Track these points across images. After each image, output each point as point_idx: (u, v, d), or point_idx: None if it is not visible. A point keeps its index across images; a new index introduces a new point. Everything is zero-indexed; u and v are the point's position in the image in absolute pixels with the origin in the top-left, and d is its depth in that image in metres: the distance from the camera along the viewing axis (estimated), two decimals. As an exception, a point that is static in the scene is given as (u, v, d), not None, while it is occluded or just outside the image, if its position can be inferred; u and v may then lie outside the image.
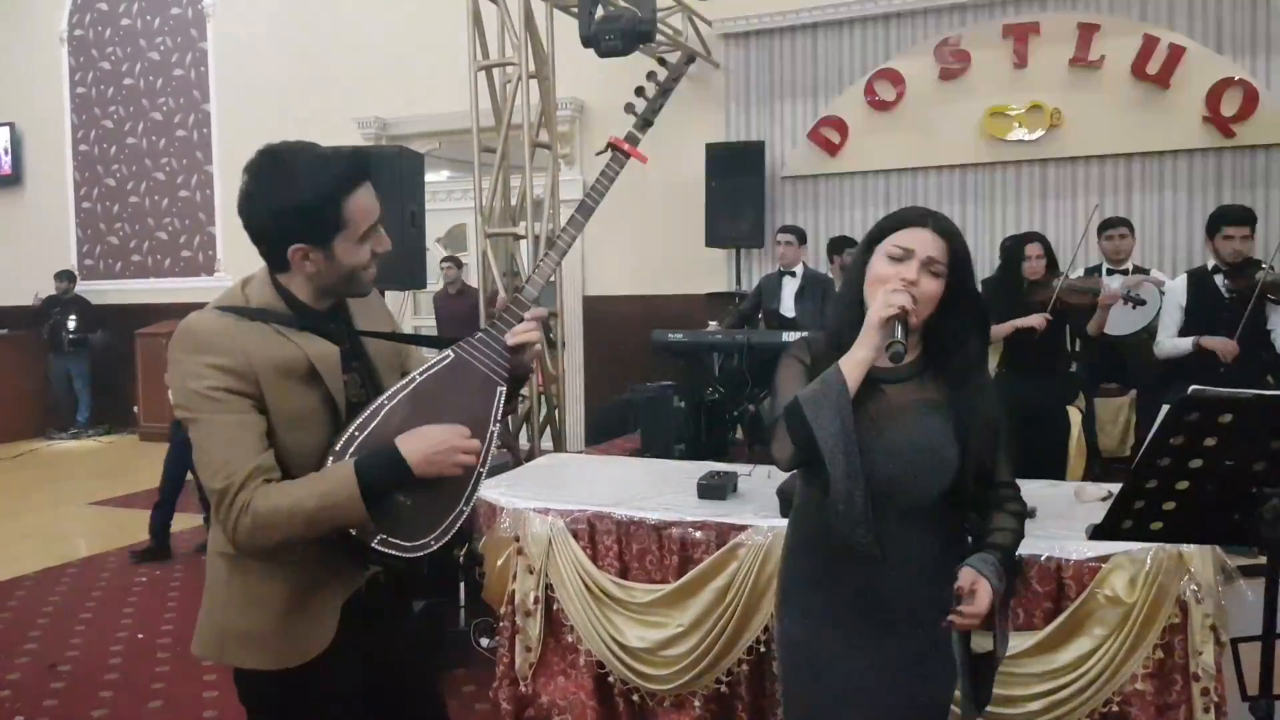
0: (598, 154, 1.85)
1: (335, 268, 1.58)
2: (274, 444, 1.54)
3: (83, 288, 9.80)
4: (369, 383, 1.70)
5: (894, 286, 1.59)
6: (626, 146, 1.83)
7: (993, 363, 4.68)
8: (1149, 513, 1.44)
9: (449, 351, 1.66)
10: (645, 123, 1.87)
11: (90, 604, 4.62)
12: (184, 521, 5.99)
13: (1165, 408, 1.33)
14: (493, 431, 1.61)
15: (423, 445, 1.52)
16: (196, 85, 9.33)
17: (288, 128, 8.71)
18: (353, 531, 1.50)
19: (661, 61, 1.91)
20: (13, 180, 10.13)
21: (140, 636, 4.17)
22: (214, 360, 1.49)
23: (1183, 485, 1.39)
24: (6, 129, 10.06)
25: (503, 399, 1.65)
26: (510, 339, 1.67)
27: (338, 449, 1.53)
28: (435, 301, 7.50)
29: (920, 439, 1.64)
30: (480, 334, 1.69)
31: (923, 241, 1.63)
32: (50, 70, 9.93)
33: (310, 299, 1.62)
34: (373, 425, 1.55)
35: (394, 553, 1.51)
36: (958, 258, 1.64)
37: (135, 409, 9.20)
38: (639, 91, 1.89)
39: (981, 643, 1.67)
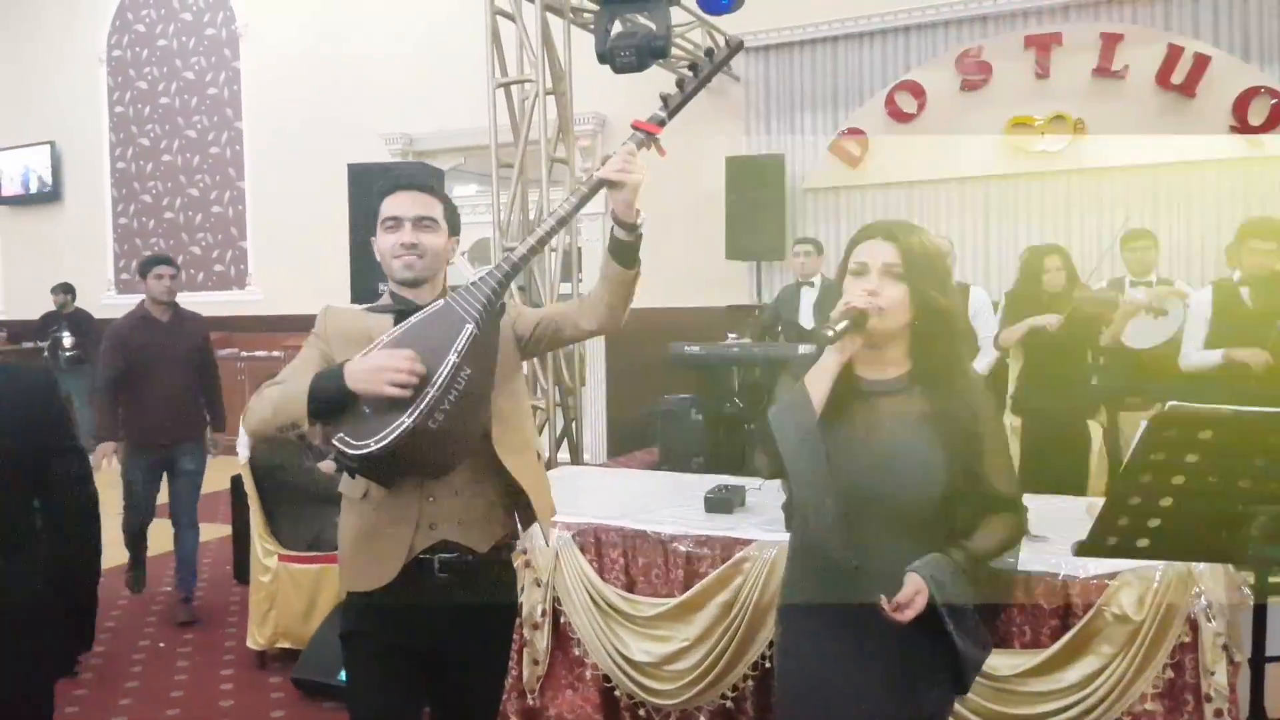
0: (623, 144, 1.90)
1: (380, 254, 2.03)
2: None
3: (121, 300, 9.99)
4: None
5: (854, 294, 1.66)
6: (645, 125, 1.90)
7: (1013, 375, 4.63)
8: (1134, 530, 1.42)
9: (442, 300, 1.91)
10: (665, 103, 1.91)
11: (115, 612, 4.69)
12: (212, 531, 6.08)
13: (1143, 423, 1.31)
14: (451, 361, 1.75)
15: (359, 366, 1.76)
16: (229, 104, 9.51)
17: (317, 145, 8.85)
18: (320, 430, 1.78)
19: (709, 53, 1.98)
20: (53, 196, 10.39)
21: (162, 645, 4.23)
22: (313, 330, 2.05)
23: (1167, 502, 1.38)
24: (47, 147, 10.33)
25: (470, 335, 1.80)
26: (600, 173, 1.86)
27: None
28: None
29: (907, 449, 1.66)
30: (473, 283, 1.90)
31: (875, 251, 1.70)
32: (89, 90, 10.18)
33: (400, 289, 2.02)
34: (367, 353, 1.82)
35: (342, 448, 1.73)
36: (912, 258, 1.67)
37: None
38: (680, 83, 1.94)
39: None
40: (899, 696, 1.70)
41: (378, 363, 1.74)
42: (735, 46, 2.04)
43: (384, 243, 2.01)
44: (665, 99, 1.92)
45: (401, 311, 1.94)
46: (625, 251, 1.89)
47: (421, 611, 1.92)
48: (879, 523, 1.67)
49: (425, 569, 1.92)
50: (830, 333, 1.61)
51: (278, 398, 1.83)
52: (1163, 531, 1.42)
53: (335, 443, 1.73)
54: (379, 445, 1.70)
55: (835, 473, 1.63)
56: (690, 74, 1.96)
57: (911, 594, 1.60)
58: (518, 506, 2.04)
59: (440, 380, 1.73)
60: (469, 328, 1.80)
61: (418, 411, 1.71)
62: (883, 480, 1.66)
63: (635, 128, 1.91)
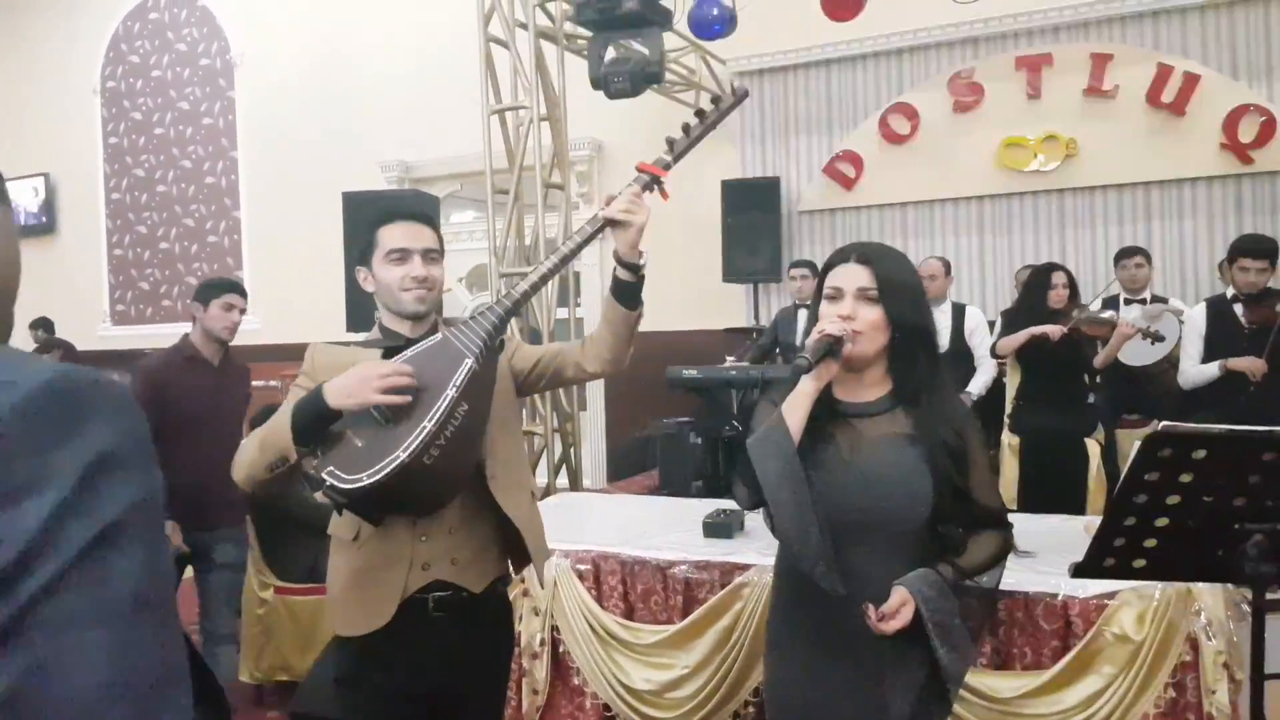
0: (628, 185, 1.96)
1: (379, 284, 1.97)
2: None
3: (116, 332, 10.01)
4: None
5: (829, 321, 1.66)
6: (650, 168, 1.95)
7: (1010, 394, 4.63)
8: (1130, 550, 1.42)
9: (440, 333, 1.90)
10: (671, 147, 1.96)
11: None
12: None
13: (1136, 444, 1.31)
14: (449, 395, 1.72)
15: (339, 380, 1.73)
16: (225, 134, 9.54)
17: (313, 173, 8.88)
18: (314, 462, 1.73)
19: (715, 100, 2.03)
20: (48, 228, 10.39)
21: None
22: (302, 369, 1.98)
23: (1162, 522, 1.37)
24: (42, 179, 10.34)
25: (469, 370, 1.78)
26: (603, 213, 1.90)
27: None
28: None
29: (892, 471, 1.66)
30: (472, 318, 1.91)
31: (849, 276, 1.71)
32: (84, 121, 10.21)
33: (390, 323, 1.99)
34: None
35: (332, 481, 1.69)
36: (885, 281, 1.68)
37: (165, 451, 9.32)
38: (685, 129, 1.98)
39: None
40: None
41: (361, 372, 1.72)
42: (741, 95, 2.10)
43: (390, 274, 1.94)
44: (671, 143, 1.95)
45: (393, 347, 1.92)
46: (628, 293, 1.92)
47: (417, 652, 1.90)
48: (867, 547, 1.67)
49: (419, 609, 1.89)
50: (805, 361, 1.61)
51: (262, 434, 1.79)
52: (1159, 552, 1.41)
53: (325, 476, 1.69)
54: (371, 480, 1.65)
55: (820, 499, 1.62)
56: (697, 120, 1.98)
57: (898, 605, 1.60)
58: (511, 547, 2.00)
59: (438, 414, 1.69)
60: (469, 362, 1.78)
61: (413, 446, 1.66)
62: (869, 503, 1.65)
63: (641, 170, 1.93)
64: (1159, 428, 1.27)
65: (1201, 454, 1.28)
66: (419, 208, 2.02)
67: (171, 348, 3.73)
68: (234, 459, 1.84)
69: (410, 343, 1.90)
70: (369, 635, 1.88)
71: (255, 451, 1.78)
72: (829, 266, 1.76)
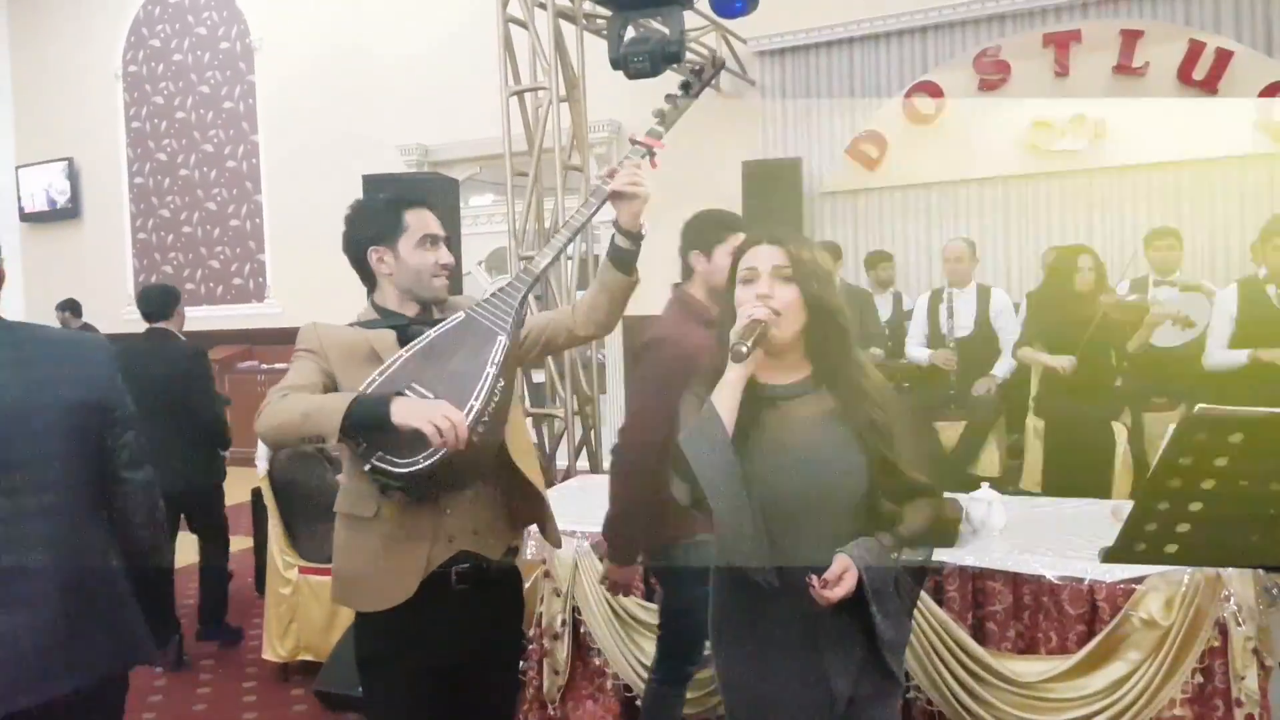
0: (625, 158, 2.02)
1: (404, 267, 1.97)
2: None
3: (139, 316, 10.09)
4: None
5: (750, 305, 1.66)
6: (646, 140, 2.02)
7: (1036, 373, 4.58)
8: (1162, 535, 1.38)
9: (462, 311, 1.93)
10: (663, 118, 2.05)
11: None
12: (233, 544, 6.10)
13: (1171, 427, 1.28)
14: (489, 373, 1.81)
15: (407, 404, 1.74)
16: (245, 117, 9.58)
17: (333, 156, 8.89)
18: (360, 444, 1.76)
19: (697, 71, 2.10)
20: (72, 213, 10.49)
21: (184, 659, 4.23)
22: (302, 346, 1.96)
23: (1196, 507, 1.34)
24: (65, 164, 10.43)
25: (504, 347, 1.85)
26: (609, 187, 1.94)
27: (361, 387, 1.82)
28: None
29: (825, 450, 1.67)
30: (493, 295, 1.95)
31: (763, 256, 1.71)
32: (106, 106, 10.28)
33: (395, 305, 2.00)
34: (390, 370, 1.83)
35: (385, 466, 1.74)
36: (798, 261, 1.69)
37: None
38: (672, 99, 2.09)
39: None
40: (846, 708, 1.70)
41: (424, 407, 1.72)
42: (719, 65, 2.14)
43: (423, 260, 1.98)
44: (661, 114, 2.06)
45: (402, 327, 1.95)
46: (627, 260, 1.99)
47: (441, 625, 1.91)
48: (805, 530, 1.66)
49: (442, 581, 1.91)
50: (744, 348, 1.60)
51: (309, 408, 1.78)
52: (1192, 536, 1.38)
53: (375, 462, 1.74)
54: (427, 462, 1.72)
55: (754, 487, 1.61)
56: (682, 91, 2.08)
57: (839, 571, 1.60)
58: (523, 510, 2.05)
59: (483, 393, 1.78)
60: (502, 339, 1.86)
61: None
62: (806, 484, 1.66)
63: (635, 142, 2.02)
64: (1195, 410, 1.23)
65: (1238, 437, 1.25)
66: (430, 195, 2.04)
67: None
68: (268, 409, 1.82)
69: (413, 323, 1.96)
70: (391, 611, 1.89)
71: (296, 417, 1.77)
72: (741, 251, 1.76)
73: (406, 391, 1.78)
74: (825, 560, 1.62)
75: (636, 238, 1.97)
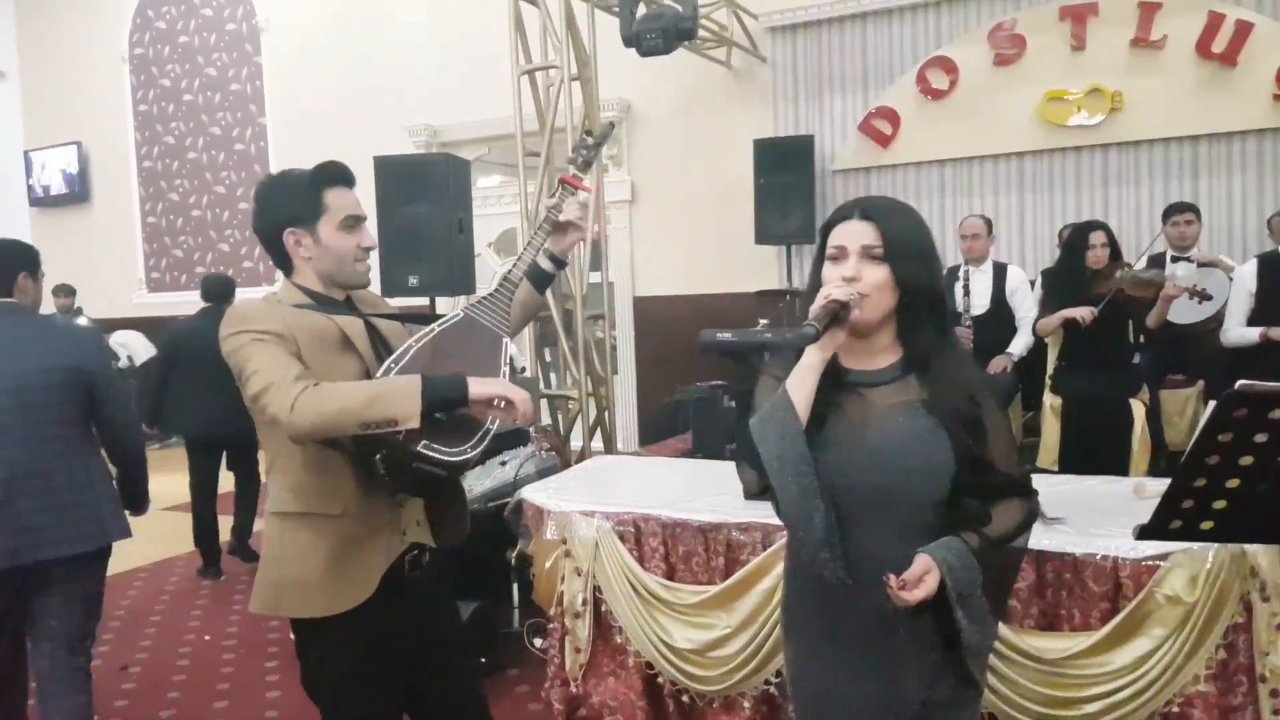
0: (559, 194, 2.08)
1: (325, 251, 1.88)
2: None
3: (151, 299, 10.11)
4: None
5: (834, 286, 1.54)
6: (574, 181, 2.09)
7: (1052, 355, 4.56)
8: (1199, 512, 1.37)
9: (460, 311, 1.94)
10: (586, 165, 2.12)
11: (160, 607, 4.76)
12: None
13: (1212, 404, 1.27)
14: (504, 372, 1.88)
15: (483, 384, 1.73)
16: (253, 99, 9.55)
17: (340, 138, 8.88)
18: (401, 434, 1.67)
19: (588, 133, 2.30)
20: (81, 198, 10.49)
21: (207, 638, 4.28)
22: (258, 326, 1.77)
23: (1233, 483, 1.33)
24: (74, 148, 10.43)
25: (508, 349, 1.91)
26: (561, 216, 2.02)
27: (378, 375, 1.78)
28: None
29: (907, 442, 1.56)
30: (485, 299, 1.96)
31: (852, 234, 1.58)
32: (114, 90, 10.25)
33: (324, 289, 1.90)
34: (404, 362, 1.80)
35: (439, 456, 1.71)
36: (891, 238, 1.56)
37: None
38: (576, 148, 2.17)
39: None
40: (920, 711, 1.60)
41: (502, 385, 1.76)
42: (610, 128, 2.39)
43: (344, 242, 1.88)
44: (582, 162, 2.11)
45: (357, 314, 1.94)
46: (547, 282, 2.13)
47: (397, 618, 1.89)
48: (881, 527, 1.56)
49: (398, 574, 1.89)
50: (812, 329, 1.49)
51: (374, 392, 1.68)
52: (1228, 513, 1.37)
53: (422, 449, 1.70)
54: (475, 452, 1.75)
55: (832, 478, 1.52)
56: (584, 145, 2.15)
57: (920, 572, 1.49)
58: (448, 498, 2.00)
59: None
60: (506, 340, 1.93)
61: (496, 420, 1.80)
62: (884, 479, 1.55)
63: (565, 182, 2.07)
64: (1237, 386, 1.22)
65: (1279, 414, 1.24)
66: (351, 174, 1.97)
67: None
68: (302, 399, 1.66)
69: (340, 308, 1.92)
70: (351, 611, 1.83)
71: (358, 404, 1.66)
72: (830, 225, 1.63)
73: None
74: (901, 558, 1.52)
75: (562, 265, 2.11)
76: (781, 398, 1.52)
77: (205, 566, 5.23)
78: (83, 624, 2.78)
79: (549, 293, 2.55)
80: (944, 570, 1.50)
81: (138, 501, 3.00)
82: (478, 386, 1.72)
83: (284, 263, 1.92)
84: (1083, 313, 4.17)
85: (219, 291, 5.34)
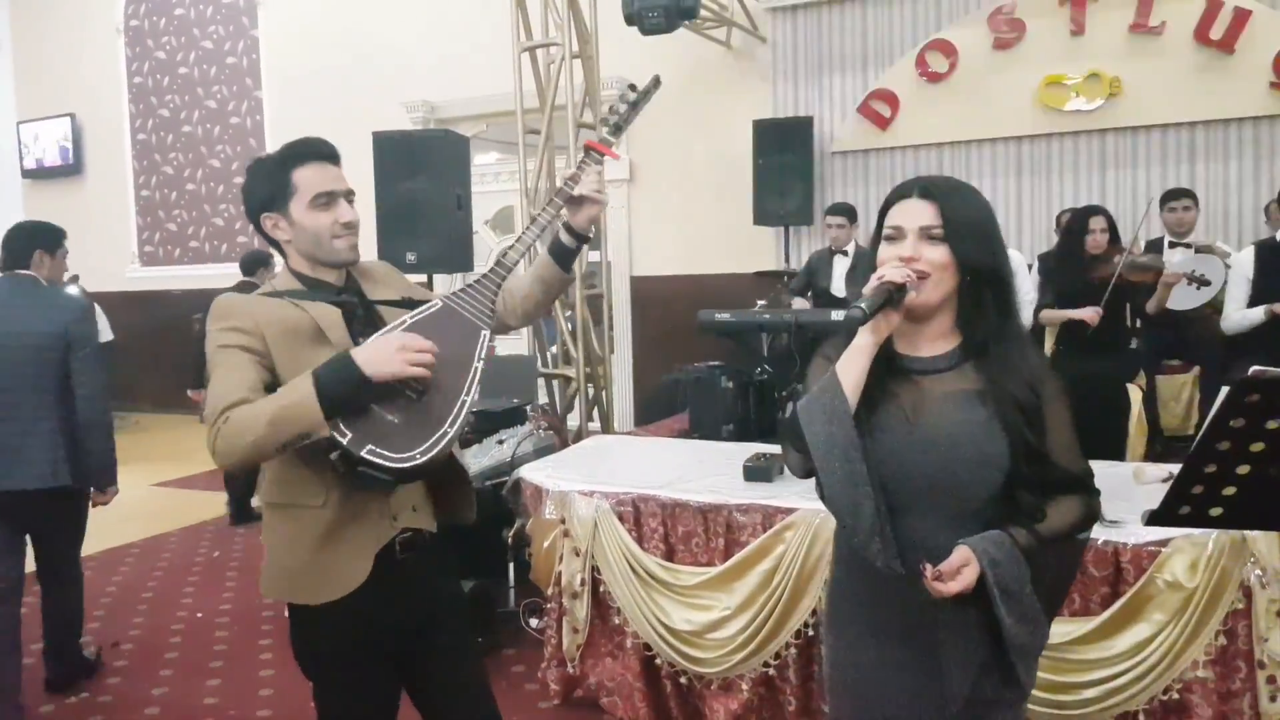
0: (581, 161, 1.99)
1: (300, 232, 1.83)
2: None
3: (145, 273, 10.05)
4: None
5: (890, 267, 1.49)
6: (601, 147, 1.99)
7: (1050, 338, 4.56)
8: (1208, 498, 1.37)
9: (437, 300, 1.84)
10: (616, 129, 2.03)
11: (152, 584, 4.75)
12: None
13: (1225, 389, 1.27)
14: (477, 367, 1.76)
15: (372, 348, 1.64)
16: (249, 73, 9.46)
17: (337, 113, 8.83)
18: (342, 440, 1.62)
19: (632, 88, 2.06)
20: (74, 170, 10.40)
21: (199, 616, 4.27)
22: (228, 324, 1.76)
23: (1244, 469, 1.33)
24: (68, 120, 10.32)
25: (486, 342, 1.81)
26: (577, 190, 1.93)
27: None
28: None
29: (961, 432, 1.50)
30: (468, 287, 1.87)
31: (911, 213, 1.52)
32: (108, 61, 10.14)
33: (312, 271, 1.87)
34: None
35: (382, 461, 1.62)
36: (952, 218, 1.50)
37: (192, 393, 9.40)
38: (612, 109, 2.05)
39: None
40: (962, 710, 1.54)
41: (396, 342, 1.64)
42: (657, 82, 2.13)
43: (318, 221, 1.82)
44: (615, 124, 2.02)
45: (335, 300, 1.84)
46: (569, 258, 2.01)
47: (389, 600, 1.85)
48: (932, 517, 1.51)
49: (388, 557, 1.84)
50: (860, 311, 1.42)
51: (270, 413, 1.62)
52: (1238, 499, 1.37)
53: (367, 455, 1.62)
54: (425, 457, 1.65)
55: (881, 466, 1.48)
56: (625, 101, 2.04)
57: (958, 564, 1.44)
58: (449, 483, 1.96)
59: (473, 387, 1.74)
60: (486, 334, 1.82)
61: (458, 420, 1.70)
62: (936, 468, 1.49)
63: (591, 148, 1.98)
64: (1250, 372, 1.22)
65: (1292, 399, 1.24)
66: (328, 147, 1.90)
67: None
68: (218, 441, 1.65)
69: (340, 292, 1.86)
70: (342, 599, 1.81)
71: (260, 431, 1.61)
72: (889, 203, 1.56)
73: (395, 384, 1.66)
74: (951, 549, 1.47)
75: (584, 239, 2.00)
76: (830, 380, 1.47)
77: (235, 517, 5.66)
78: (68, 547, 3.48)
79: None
80: (985, 564, 1.45)
81: (98, 472, 3.30)
82: (374, 364, 1.62)
83: (276, 247, 1.90)
84: (1087, 314, 4.16)
85: (247, 266, 5.62)
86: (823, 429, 1.45)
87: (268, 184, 1.84)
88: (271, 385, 1.72)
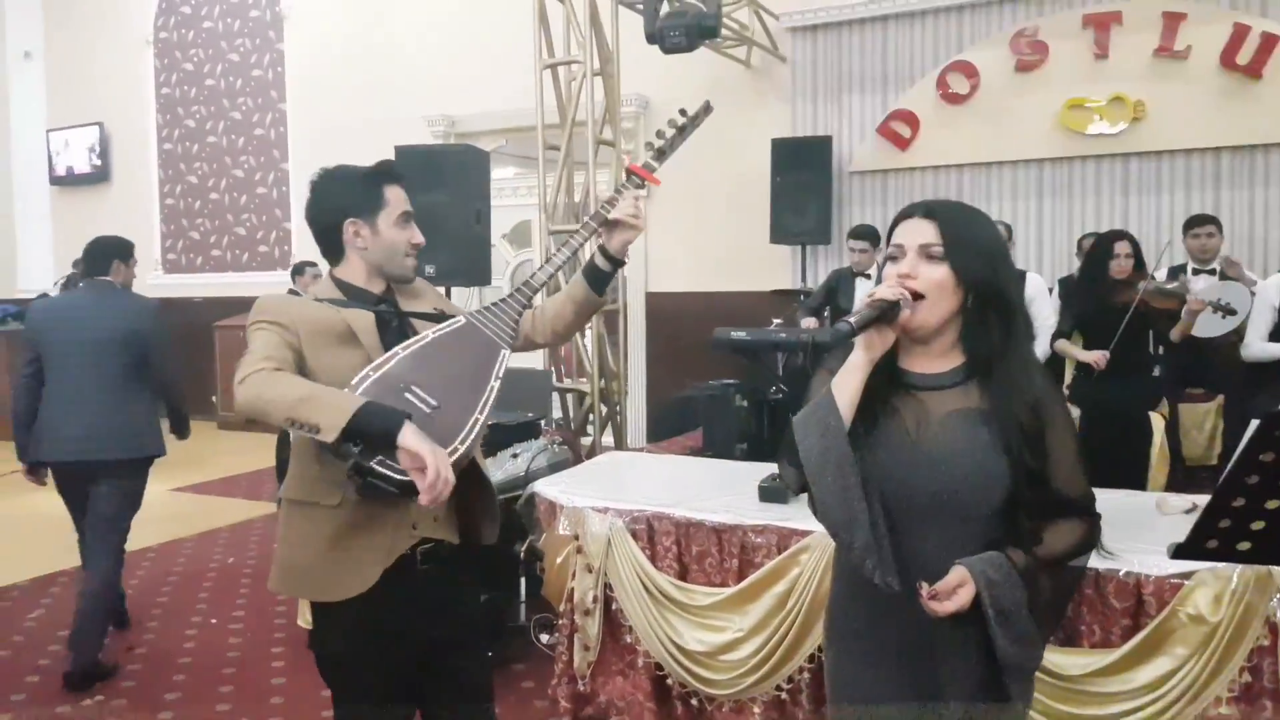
0: (620, 185, 2.01)
1: (380, 243, 1.93)
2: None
3: (166, 280, 10.14)
4: None
5: (885, 284, 1.50)
6: (643, 172, 2.02)
7: (1070, 364, 4.52)
8: (1235, 532, 1.35)
9: (461, 317, 1.91)
10: (661, 154, 2.05)
11: (166, 589, 4.76)
12: (261, 508, 6.16)
13: (1255, 422, 1.24)
14: (493, 386, 1.81)
15: (417, 438, 1.62)
16: (274, 85, 9.55)
17: (359, 126, 8.91)
18: (354, 450, 1.65)
19: (682, 113, 2.07)
20: (101, 177, 10.53)
21: (213, 622, 4.28)
22: (266, 318, 1.85)
23: (1273, 504, 1.30)
24: (96, 128, 10.45)
25: (505, 360, 1.86)
26: (612, 214, 1.96)
27: (354, 382, 1.75)
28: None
29: (962, 450, 1.49)
30: (492, 305, 1.93)
31: (912, 232, 1.53)
32: (137, 72, 10.27)
33: (363, 281, 1.95)
34: (386, 367, 1.78)
35: (390, 473, 1.65)
36: (952, 237, 1.50)
37: (214, 398, 9.46)
38: (659, 134, 2.06)
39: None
40: None
41: (431, 453, 1.61)
42: (708, 108, 2.13)
43: (398, 236, 1.95)
44: (660, 150, 2.04)
45: (374, 308, 1.91)
46: (604, 281, 2.03)
47: (407, 609, 1.86)
48: (933, 536, 1.51)
49: (407, 565, 1.86)
50: (846, 326, 1.43)
51: (308, 393, 1.68)
52: (1266, 534, 1.34)
53: (375, 465, 1.64)
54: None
55: (882, 483, 1.48)
56: (674, 130, 2.05)
57: (954, 583, 1.44)
58: (476, 496, 1.95)
59: (487, 405, 1.78)
60: (505, 353, 1.87)
61: (470, 438, 1.74)
62: (936, 486, 1.49)
63: (633, 172, 2.01)
64: (1281, 407, 1.20)
65: (1323, 434, 1.21)
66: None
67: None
68: (247, 385, 1.70)
69: (380, 301, 1.94)
70: (356, 599, 1.83)
71: (289, 399, 1.66)
72: (893, 224, 1.58)
73: (408, 395, 1.73)
74: (949, 568, 1.47)
75: (619, 264, 2.02)
76: (826, 395, 1.48)
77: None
78: (119, 512, 3.80)
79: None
80: (981, 584, 1.45)
81: (180, 426, 4.11)
82: (412, 438, 1.61)
83: (334, 252, 1.97)
84: (1094, 358, 4.11)
85: (295, 271, 6.04)
86: (816, 443, 1.45)
87: (357, 193, 1.94)
88: (300, 373, 1.79)
